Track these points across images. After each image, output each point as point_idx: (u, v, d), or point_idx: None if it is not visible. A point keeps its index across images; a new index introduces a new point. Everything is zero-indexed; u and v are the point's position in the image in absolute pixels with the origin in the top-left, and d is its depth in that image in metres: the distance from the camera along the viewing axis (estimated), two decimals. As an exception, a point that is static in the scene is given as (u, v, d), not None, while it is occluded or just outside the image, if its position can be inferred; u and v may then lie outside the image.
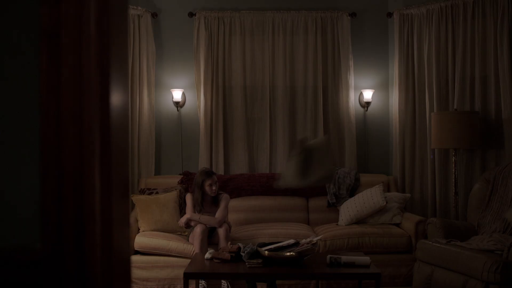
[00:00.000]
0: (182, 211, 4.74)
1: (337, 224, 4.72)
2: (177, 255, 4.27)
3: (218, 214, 4.26)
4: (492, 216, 4.15)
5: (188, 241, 4.30)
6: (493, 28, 4.80)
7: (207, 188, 4.30)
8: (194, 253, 4.10)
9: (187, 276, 3.22)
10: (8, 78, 0.87)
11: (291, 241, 3.45)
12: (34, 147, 0.84)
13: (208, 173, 4.34)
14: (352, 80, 5.45)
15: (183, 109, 5.49)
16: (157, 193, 4.78)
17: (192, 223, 4.26)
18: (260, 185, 5.06)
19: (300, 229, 4.52)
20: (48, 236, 0.81)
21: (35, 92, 0.83)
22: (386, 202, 4.69)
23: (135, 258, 4.30)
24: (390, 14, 5.51)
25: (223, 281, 3.94)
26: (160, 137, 5.51)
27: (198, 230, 4.11)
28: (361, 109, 5.57)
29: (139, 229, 4.56)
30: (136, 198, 4.64)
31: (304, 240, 3.50)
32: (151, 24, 5.39)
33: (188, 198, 4.40)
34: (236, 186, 5.04)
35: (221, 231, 4.14)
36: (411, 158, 5.32)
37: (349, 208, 4.71)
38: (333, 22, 5.47)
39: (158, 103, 5.49)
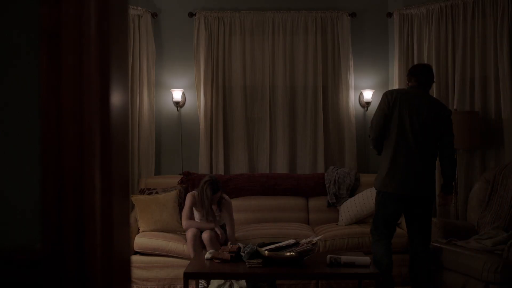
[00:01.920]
0: (182, 211, 4.75)
1: (337, 224, 4.71)
2: (177, 255, 4.28)
3: (230, 231, 4.27)
4: (492, 216, 4.15)
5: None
6: (493, 28, 4.80)
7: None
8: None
9: (187, 276, 3.22)
10: (9, 78, 0.87)
11: (291, 241, 3.45)
12: (34, 147, 0.84)
13: (215, 190, 4.17)
14: (352, 80, 5.45)
15: (183, 109, 5.49)
16: (156, 193, 4.78)
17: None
18: (260, 185, 5.06)
19: (300, 229, 4.52)
20: (48, 236, 0.81)
21: (35, 92, 0.84)
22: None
23: (135, 258, 4.30)
24: (390, 14, 5.51)
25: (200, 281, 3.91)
26: (160, 137, 5.51)
27: (189, 234, 4.09)
28: (361, 109, 5.57)
29: (138, 229, 4.56)
30: (135, 198, 4.63)
31: (304, 240, 3.50)
32: (151, 24, 5.39)
33: (188, 199, 4.31)
34: (236, 186, 5.04)
35: (205, 238, 4.08)
36: (411, 158, 5.32)
37: (349, 208, 4.71)
38: (333, 22, 5.47)
39: (158, 103, 5.49)
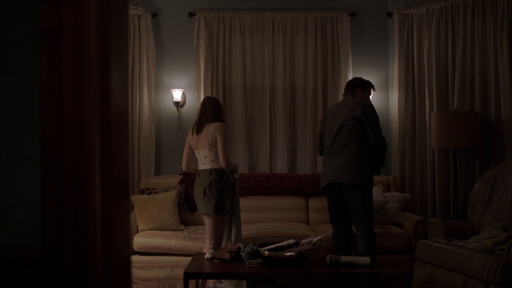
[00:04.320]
0: (181, 210, 4.75)
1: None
2: (176, 252, 4.28)
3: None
4: (492, 216, 4.16)
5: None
6: (493, 28, 4.80)
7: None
8: (204, 243, 4.07)
9: (187, 276, 3.22)
10: (9, 78, 0.87)
11: (291, 241, 3.44)
12: (34, 147, 0.84)
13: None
14: (352, 80, 5.45)
15: (183, 109, 5.49)
16: (156, 193, 4.79)
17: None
18: (260, 185, 5.06)
19: (300, 229, 4.52)
20: (49, 236, 0.81)
21: (35, 92, 0.84)
22: (386, 202, 4.69)
23: (135, 258, 4.30)
24: (390, 14, 5.52)
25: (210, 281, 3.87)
26: (160, 137, 5.51)
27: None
28: (361, 109, 5.57)
29: (138, 229, 4.57)
30: (135, 198, 4.64)
31: (304, 240, 3.50)
32: (151, 24, 5.39)
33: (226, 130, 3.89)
34: (236, 186, 5.04)
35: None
36: (411, 158, 5.32)
37: (349, 208, 4.72)
38: (333, 22, 5.47)
39: (158, 103, 5.49)
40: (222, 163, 3.80)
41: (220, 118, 3.91)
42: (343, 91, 5.49)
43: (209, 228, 3.81)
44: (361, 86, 4.10)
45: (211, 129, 3.80)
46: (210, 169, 3.79)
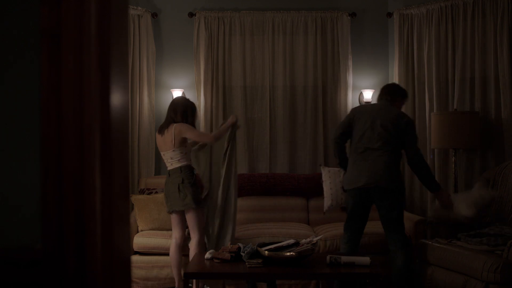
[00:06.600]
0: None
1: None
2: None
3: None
4: (492, 216, 4.15)
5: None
6: (493, 28, 4.80)
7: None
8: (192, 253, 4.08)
9: (187, 276, 3.22)
10: (9, 78, 0.87)
11: (291, 241, 3.44)
12: (34, 147, 0.84)
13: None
14: (351, 80, 5.45)
15: (183, 109, 5.49)
16: (156, 192, 4.79)
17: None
18: (260, 185, 5.06)
19: (300, 229, 4.52)
20: (49, 236, 0.82)
21: (35, 92, 0.84)
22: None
23: (135, 258, 4.30)
24: (390, 14, 5.52)
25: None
26: (160, 137, 5.50)
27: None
28: (361, 109, 5.57)
29: (138, 229, 4.57)
30: (135, 198, 4.64)
31: (304, 240, 3.50)
32: (151, 24, 5.39)
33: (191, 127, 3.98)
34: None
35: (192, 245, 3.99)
36: (411, 158, 5.31)
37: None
38: (333, 22, 5.47)
39: (158, 103, 5.49)
40: (211, 142, 4.01)
41: (185, 120, 3.99)
42: (342, 92, 5.50)
43: (192, 223, 3.93)
44: (402, 96, 3.98)
45: (171, 130, 3.92)
46: (180, 166, 3.94)
